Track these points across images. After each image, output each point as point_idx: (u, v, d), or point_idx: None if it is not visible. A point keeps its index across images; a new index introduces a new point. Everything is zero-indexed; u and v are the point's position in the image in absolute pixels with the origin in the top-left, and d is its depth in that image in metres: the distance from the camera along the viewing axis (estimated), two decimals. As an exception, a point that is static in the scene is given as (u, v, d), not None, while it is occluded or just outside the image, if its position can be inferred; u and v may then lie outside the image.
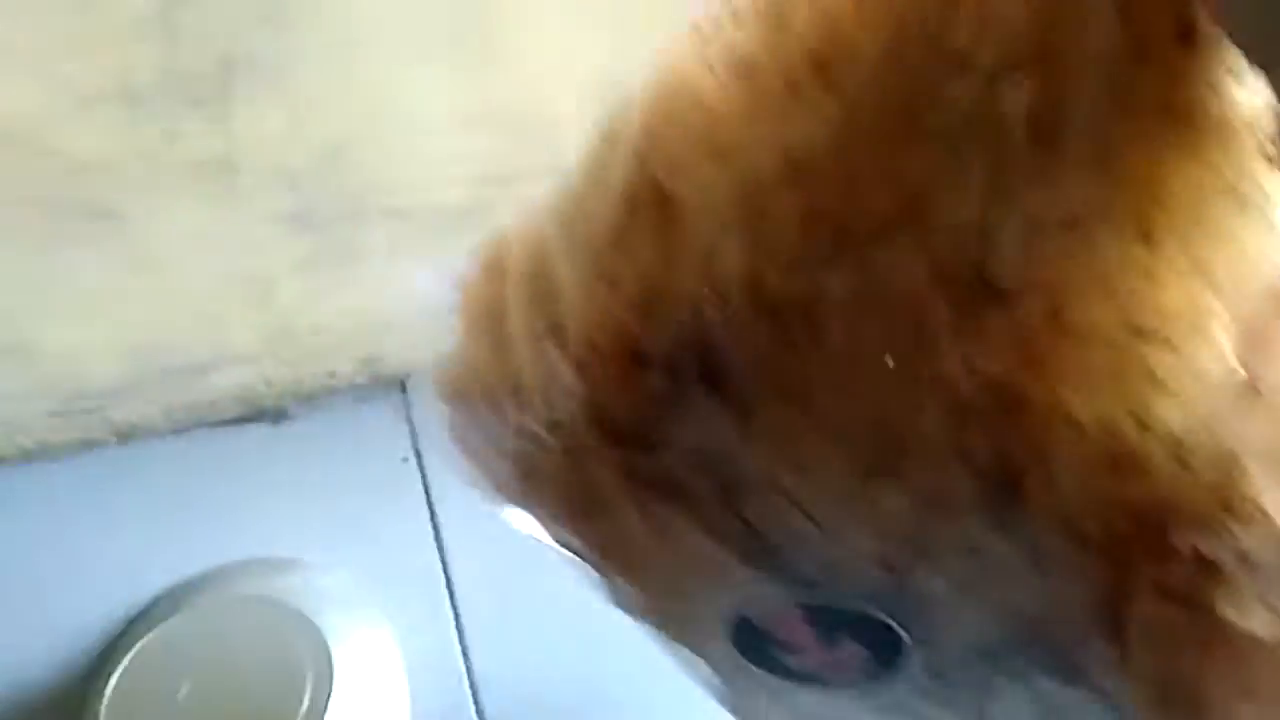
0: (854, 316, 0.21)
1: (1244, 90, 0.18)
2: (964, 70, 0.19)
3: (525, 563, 0.37)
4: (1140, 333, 0.20)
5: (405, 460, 0.60)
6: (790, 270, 0.22)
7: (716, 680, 0.31)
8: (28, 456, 0.55)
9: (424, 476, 0.60)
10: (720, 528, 0.26)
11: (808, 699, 0.29)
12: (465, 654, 0.61)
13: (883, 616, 0.25)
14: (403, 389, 0.60)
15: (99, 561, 0.56)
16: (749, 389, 0.23)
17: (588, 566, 0.30)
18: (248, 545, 0.58)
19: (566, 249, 0.27)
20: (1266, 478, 0.20)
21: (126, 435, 0.56)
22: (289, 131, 0.63)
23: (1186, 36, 0.18)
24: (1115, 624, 0.22)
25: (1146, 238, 0.19)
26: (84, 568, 0.56)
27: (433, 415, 0.31)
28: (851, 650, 0.26)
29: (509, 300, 0.28)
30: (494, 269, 0.29)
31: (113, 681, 0.52)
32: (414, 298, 0.57)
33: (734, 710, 0.32)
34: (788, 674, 0.28)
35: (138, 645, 0.52)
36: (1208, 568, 0.21)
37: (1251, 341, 0.20)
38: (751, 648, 0.28)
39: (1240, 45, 0.17)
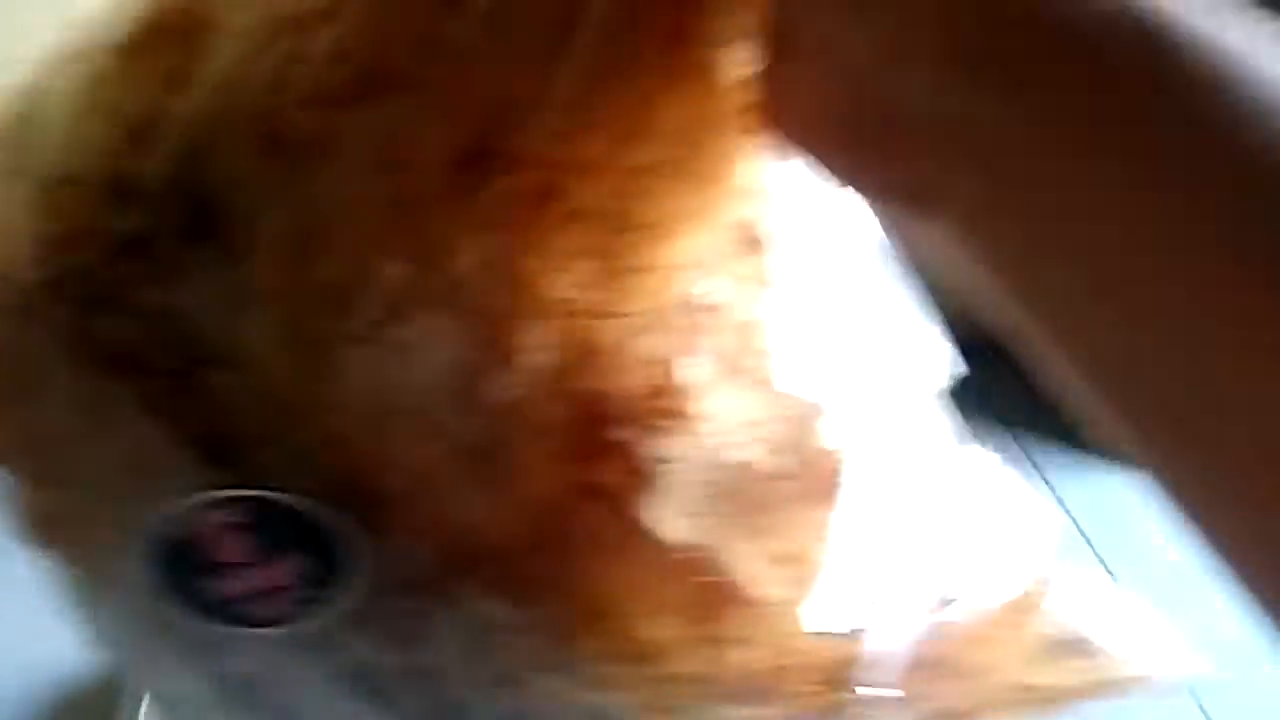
0: (359, 164, 0.22)
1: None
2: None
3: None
4: (615, 225, 0.22)
5: None
6: (308, 106, 0.21)
7: (122, 638, 0.27)
8: None
9: None
10: (176, 411, 0.24)
11: (225, 653, 0.26)
12: None
13: (329, 524, 0.23)
14: None
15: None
16: (241, 236, 0.22)
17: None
18: None
19: (60, 88, 0.24)
20: (701, 381, 0.22)
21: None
22: None
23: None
24: (552, 534, 0.23)
25: (634, 138, 0.21)
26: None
27: None
28: (291, 567, 0.24)
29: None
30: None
31: None
32: None
33: (138, 680, 0.28)
34: (209, 611, 0.25)
35: None
36: (633, 465, 0.22)
37: (718, 268, 0.23)
38: (176, 578, 0.25)
39: None
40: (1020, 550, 0.27)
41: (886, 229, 0.26)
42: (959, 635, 0.26)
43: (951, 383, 0.27)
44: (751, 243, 0.23)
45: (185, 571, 0.25)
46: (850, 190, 0.21)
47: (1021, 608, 0.26)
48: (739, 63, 0.20)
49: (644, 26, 0.20)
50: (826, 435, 0.23)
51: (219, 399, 0.23)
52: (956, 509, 0.26)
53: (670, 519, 0.22)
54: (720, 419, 0.22)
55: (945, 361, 0.27)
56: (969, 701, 0.26)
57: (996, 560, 0.26)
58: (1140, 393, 0.17)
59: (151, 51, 0.23)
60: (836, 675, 0.24)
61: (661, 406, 0.22)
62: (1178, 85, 0.15)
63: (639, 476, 0.22)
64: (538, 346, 0.21)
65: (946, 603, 0.25)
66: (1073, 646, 0.27)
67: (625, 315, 0.22)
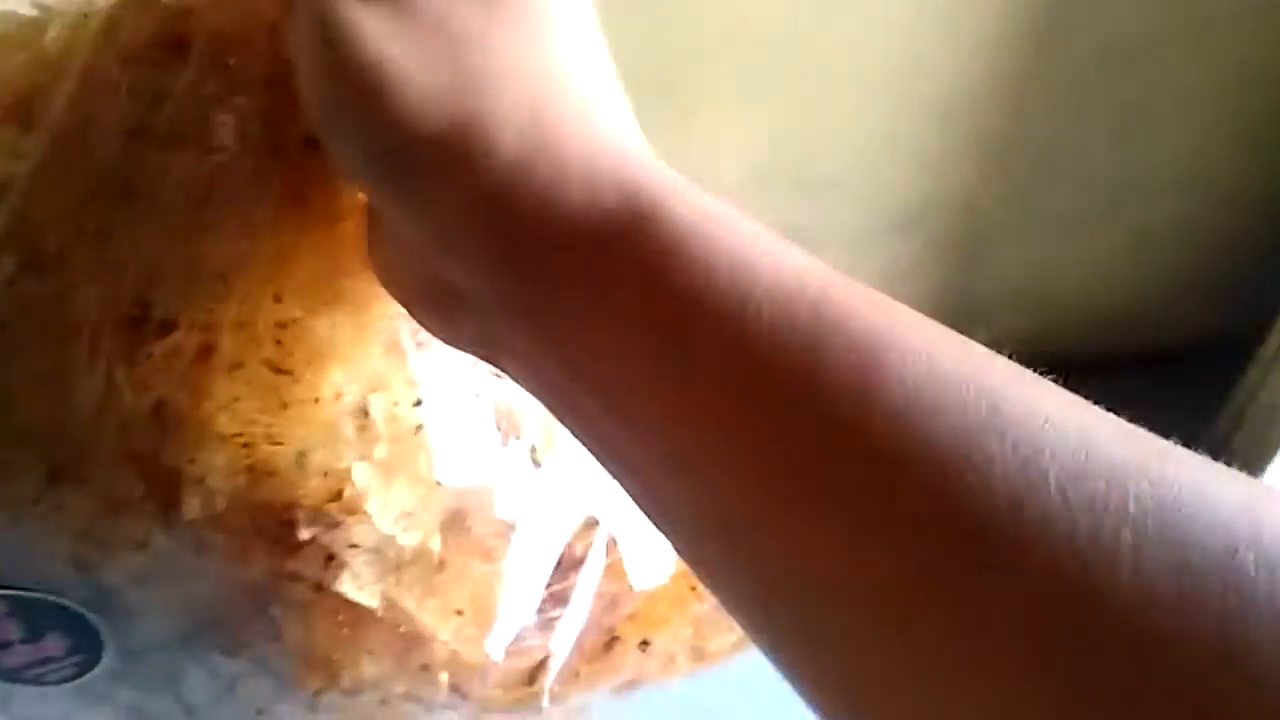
0: (40, 334, 0.24)
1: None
2: (132, 141, 0.23)
3: None
4: (274, 367, 0.25)
5: None
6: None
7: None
8: None
9: None
10: None
11: (28, 702, 0.31)
12: None
13: (78, 608, 0.28)
14: None
15: None
16: None
17: None
18: None
19: None
20: (370, 482, 0.26)
21: None
22: None
23: (311, 143, 0.24)
24: (267, 604, 0.28)
25: (278, 295, 0.25)
26: None
27: None
28: (56, 643, 0.29)
29: None
30: None
31: None
32: None
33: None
34: (3, 676, 0.30)
35: None
36: (327, 554, 0.27)
37: (373, 383, 0.27)
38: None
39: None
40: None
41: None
42: (631, 616, 0.32)
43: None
44: (398, 353, 0.26)
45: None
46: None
47: (686, 581, 0.32)
48: (357, 224, 0.24)
49: (275, 197, 0.24)
50: (488, 512, 0.28)
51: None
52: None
53: (362, 589, 0.27)
54: (389, 510, 0.26)
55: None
56: (648, 670, 0.33)
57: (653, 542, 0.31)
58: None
59: None
60: (527, 677, 0.30)
61: (341, 505, 0.26)
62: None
63: (333, 560, 0.27)
64: (220, 473, 0.25)
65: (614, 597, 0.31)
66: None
67: (293, 440, 0.25)
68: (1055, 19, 0.78)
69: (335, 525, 0.26)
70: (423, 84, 0.19)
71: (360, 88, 0.19)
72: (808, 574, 0.17)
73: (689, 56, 0.72)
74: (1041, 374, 0.18)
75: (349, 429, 0.26)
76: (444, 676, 0.29)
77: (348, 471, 0.26)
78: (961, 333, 0.19)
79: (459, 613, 0.28)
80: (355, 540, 0.27)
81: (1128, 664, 0.14)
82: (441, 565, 0.28)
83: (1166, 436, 0.16)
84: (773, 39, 0.73)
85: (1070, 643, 0.14)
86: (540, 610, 0.30)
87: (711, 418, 0.18)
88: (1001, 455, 0.15)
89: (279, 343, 0.25)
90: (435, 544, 0.27)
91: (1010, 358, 0.18)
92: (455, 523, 0.27)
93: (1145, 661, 0.14)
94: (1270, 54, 0.83)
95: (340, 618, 0.28)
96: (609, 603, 0.31)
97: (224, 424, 0.25)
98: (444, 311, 0.22)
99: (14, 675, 0.29)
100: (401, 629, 0.28)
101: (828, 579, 0.17)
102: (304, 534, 0.26)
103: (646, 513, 0.20)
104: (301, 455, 0.26)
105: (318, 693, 0.29)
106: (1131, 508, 0.14)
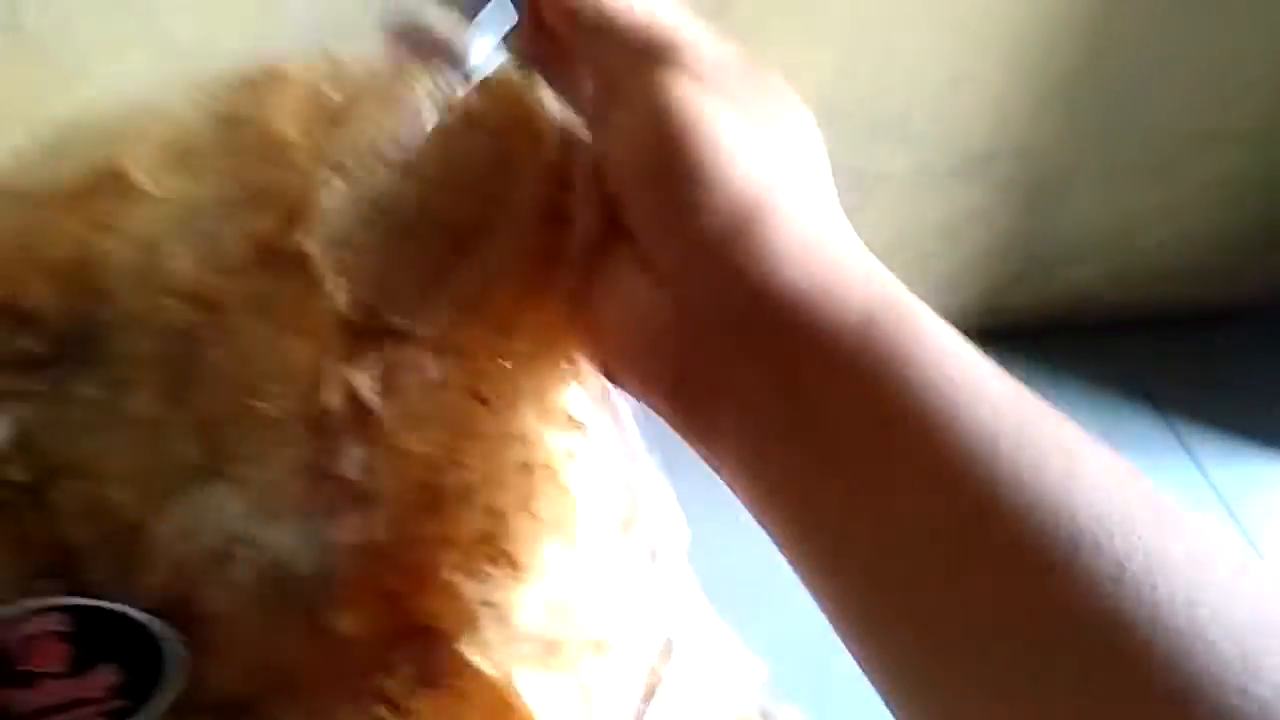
0: (250, 323, 0.24)
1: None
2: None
3: None
4: (476, 395, 0.25)
5: None
6: (214, 272, 0.24)
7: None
8: None
9: None
10: (15, 520, 0.24)
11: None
12: None
13: (158, 631, 0.24)
14: None
15: None
16: (120, 368, 0.24)
17: None
18: None
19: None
20: (524, 537, 0.25)
21: None
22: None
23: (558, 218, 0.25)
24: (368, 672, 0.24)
25: (503, 330, 0.25)
26: None
27: None
28: (103, 678, 0.25)
29: None
30: None
31: None
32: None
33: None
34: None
35: None
36: (463, 604, 0.24)
37: (557, 437, 0.26)
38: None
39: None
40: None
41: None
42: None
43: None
44: (575, 423, 0.26)
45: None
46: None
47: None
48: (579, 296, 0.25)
49: (526, 259, 0.25)
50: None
51: (59, 510, 0.24)
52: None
53: (484, 655, 0.24)
54: (547, 572, 0.25)
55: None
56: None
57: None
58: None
59: (86, 200, 0.24)
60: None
61: (492, 553, 0.24)
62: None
63: (464, 616, 0.24)
64: (394, 490, 0.24)
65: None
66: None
67: (469, 471, 0.24)
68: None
69: (479, 574, 0.24)
70: (742, 154, 0.23)
71: (698, 153, 0.22)
72: None
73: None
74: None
75: (523, 474, 0.25)
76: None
77: (507, 517, 0.25)
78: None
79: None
80: (493, 598, 0.24)
81: None
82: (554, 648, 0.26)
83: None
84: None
85: None
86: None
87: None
88: None
89: (482, 376, 0.25)
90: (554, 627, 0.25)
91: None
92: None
93: None
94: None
95: (452, 689, 0.24)
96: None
97: (407, 439, 0.24)
98: (665, 384, 0.24)
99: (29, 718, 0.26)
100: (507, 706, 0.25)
101: None
102: (445, 575, 0.24)
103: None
104: (470, 489, 0.24)
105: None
106: None
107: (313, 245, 0.24)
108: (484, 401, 0.24)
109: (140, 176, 0.24)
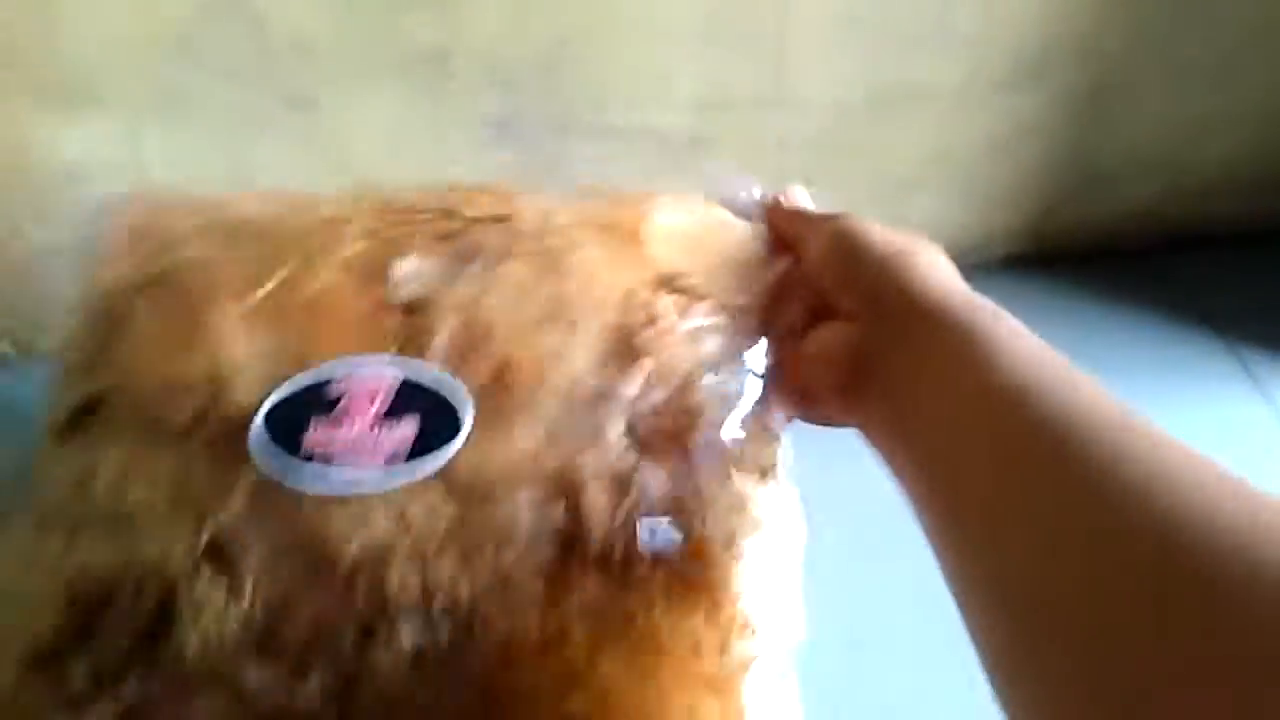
0: None
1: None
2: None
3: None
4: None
5: None
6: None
7: None
8: None
9: None
10: None
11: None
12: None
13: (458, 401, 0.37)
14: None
15: None
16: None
17: None
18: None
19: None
20: None
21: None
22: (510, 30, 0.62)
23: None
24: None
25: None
26: None
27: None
28: (408, 427, 0.35)
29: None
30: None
31: None
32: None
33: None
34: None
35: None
36: None
37: None
38: None
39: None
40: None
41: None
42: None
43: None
44: None
45: None
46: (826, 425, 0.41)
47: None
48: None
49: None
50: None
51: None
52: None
53: None
54: None
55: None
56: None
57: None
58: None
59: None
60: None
61: None
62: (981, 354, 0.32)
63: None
64: None
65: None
66: None
67: None
68: None
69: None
70: (885, 232, 0.39)
71: (860, 233, 0.39)
72: None
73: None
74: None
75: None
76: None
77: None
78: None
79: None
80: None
81: None
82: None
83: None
84: None
85: None
86: None
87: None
88: None
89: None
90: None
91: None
92: None
93: None
94: None
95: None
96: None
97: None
98: (848, 393, 0.38)
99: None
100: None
101: None
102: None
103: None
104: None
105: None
106: None
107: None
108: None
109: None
